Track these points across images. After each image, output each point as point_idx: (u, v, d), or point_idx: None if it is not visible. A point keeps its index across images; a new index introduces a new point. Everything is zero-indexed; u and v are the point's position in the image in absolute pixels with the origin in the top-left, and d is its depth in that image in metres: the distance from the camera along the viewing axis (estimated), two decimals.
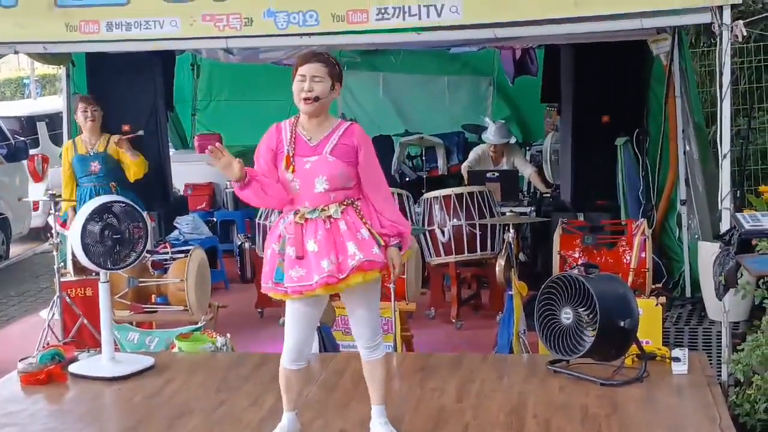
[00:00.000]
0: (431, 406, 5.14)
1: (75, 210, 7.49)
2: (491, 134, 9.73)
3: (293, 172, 4.45)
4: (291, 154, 4.46)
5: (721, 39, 5.76)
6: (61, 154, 8.65)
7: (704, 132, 8.30)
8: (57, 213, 7.26)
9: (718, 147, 5.84)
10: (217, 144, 4.43)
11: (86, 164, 7.98)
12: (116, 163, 8.06)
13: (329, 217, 4.44)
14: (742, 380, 5.26)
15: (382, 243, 4.49)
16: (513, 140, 10.41)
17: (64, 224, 7.86)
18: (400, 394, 5.38)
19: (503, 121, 10.05)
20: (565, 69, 8.97)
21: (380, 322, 4.73)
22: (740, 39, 5.75)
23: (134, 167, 7.99)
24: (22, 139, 12.95)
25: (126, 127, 8.89)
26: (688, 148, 7.86)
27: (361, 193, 4.54)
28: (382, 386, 4.68)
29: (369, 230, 4.47)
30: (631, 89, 8.48)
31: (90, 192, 7.85)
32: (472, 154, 9.97)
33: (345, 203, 4.48)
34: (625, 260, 6.99)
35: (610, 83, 8.42)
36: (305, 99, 4.42)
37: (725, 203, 5.79)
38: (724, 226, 5.74)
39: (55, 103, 15.35)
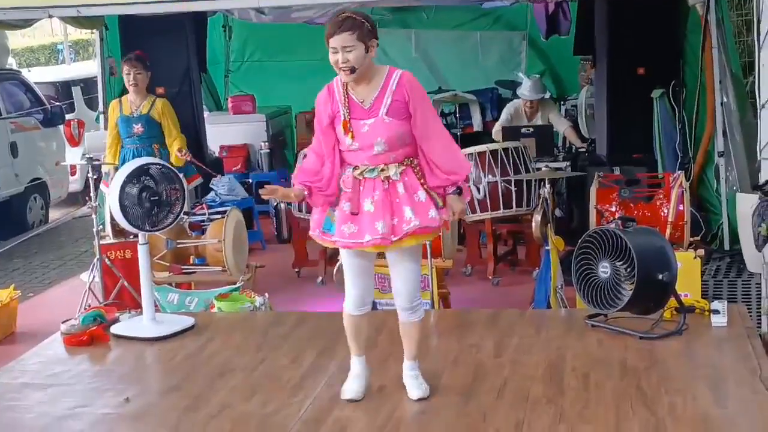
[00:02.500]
0: (469, 362, 5.15)
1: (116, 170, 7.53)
2: (526, 90, 9.65)
3: (352, 137, 4.43)
4: (347, 119, 4.44)
5: None
6: (97, 118, 8.70)
7: (742, 82, 8.21)
8: (95, 176, 7.31)
9: (756, 97, 5.76)
10: (265, 188, 4.51)
11: (130, 125, 7.99)
12: (160, 126, 8.05)
13: (388, 177, 4.45)
14: None
15: (441, 204, 4.47)
16: (548, 95, 10.34)
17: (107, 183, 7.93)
18: (438, 351, 5.40)
19: (538, 76, 9.97)
20: (599, 21, 8.89)
21: (420, 285, 4.75)
22: None
23: (177, 162, 7.92)
24: (58, 104, 13.06)
25: (160, 90, 8.93)
26: (725, 99, 7.77)
27: (417, 147, 4.48)
28: (416, 344, 4.74)
29: (426, 191, 4.46)
30: (667, 41, 8.40)
31: (133, 153, 7.86)
32: (505, 112, 9.85)
33: (404, 163, 4.46)
34: (662, 213, 6.94)
35: (645, 35, 8.33)
36: (343, 70, 4.38)
37: (764, 153, 5.72)
38: (763, 176, 5.68)
39: (89, 67, 15.45)
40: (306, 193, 4.51)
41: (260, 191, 4.53)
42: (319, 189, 4.50)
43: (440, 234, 6.89)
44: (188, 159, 8.01)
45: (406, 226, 4.40)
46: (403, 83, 4.42)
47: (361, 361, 4.75)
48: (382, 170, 4.44)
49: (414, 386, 4.70)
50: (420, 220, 4.40)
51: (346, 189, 4.49)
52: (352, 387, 4.71)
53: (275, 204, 9.73)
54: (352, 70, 4.36)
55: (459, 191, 4.48)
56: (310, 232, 4.67)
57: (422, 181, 4.46)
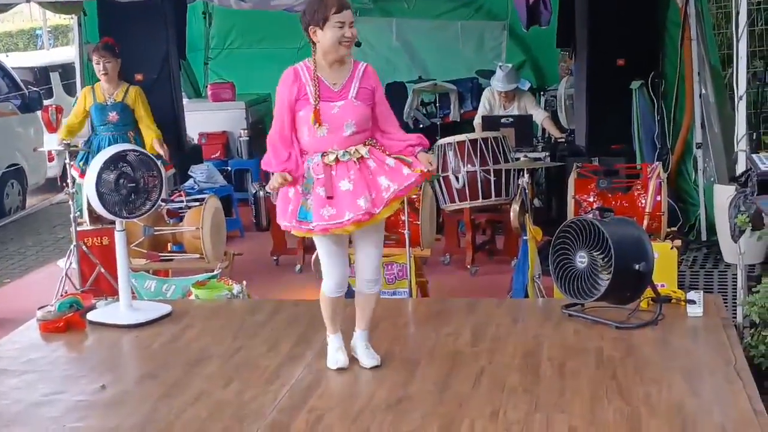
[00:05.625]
0: (447, 351, 5.16)
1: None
2: (499, 81, 9.59)
3: (319, 124, 4.61)
4: (317, 105, 4.60)
5: None
6: (74, 104, 8.63)
7: (720, 74, 8.23)
8: (72, 163, 7.29)
9: (734, 89, 5.79)
10: (273, 188, 4.70)
11: (104, 113, 7.96)
12: (134, 113, 8.02)
13: (360, 158, 4.65)
14: (757, 322, 5.27)
15: (410, 160, 4.69)
16: (526, 86, 10.33)
17: (82, 174, 7.86)
18: (416, 339, 5.42)
19: (510, 66, 9.94)
20: (579, 12, 8.89)
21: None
22: None
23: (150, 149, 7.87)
24: (36, 89, 12.96)
25: (138, 76, 8.87)
26: (703, 90, 7.80)
27: (374, 130, 4.76)
28: (371, 315, 4.97)
29: (394, 158, 4.69)
30: (646, 32, 8.41)
31: (108, 140, 7.81)
32: (483, 101, 9.83)
33: (368, 143, 4.70)
34: (640, 204, 6.97)
35: (625, 26, 8.34)
36: (347, 44, 4.60)
37: (741, 145, 5.75)
38: (740, 168, 5.71)
39: (68, 53, 15.35)
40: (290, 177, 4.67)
41: (270, 190, 4.76)
42: (296, 171, 4.67)
43: (418, 223, 6.93)
44: (164, 154, 7.89)
45: (385, 193, 4.62)
46: (369, 74, 4.73)
47: (339, 337, 4.97)
48: (355, 152, 4.66)
49: (367, 356, 4.94)
50: (397, 184, 4.64)
51: (317, 176, 4.64)
52: (338, 357, 4.93)
53: (254, 192, 9.71)
54: (358, 44, 4.65)
55: (425, 151, 4.75)
56: (283, 223, 4.79)
57: (387, 153, 4.72)
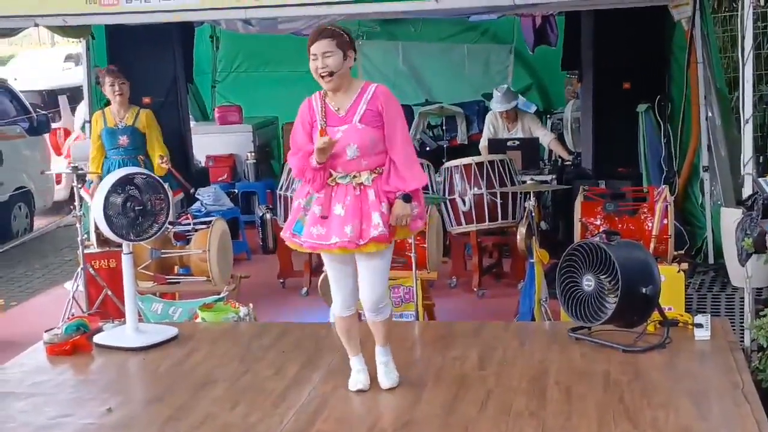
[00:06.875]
0: (453, 374, 5.15)
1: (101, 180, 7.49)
2: (497, 102, 9.65)
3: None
4: (324, 127, 4.64)
5: (743, 3, 5.70)
6: (82, 127, 8.69)
7: (726, 98, 8.23)
8: (80, 186, 7.30)
9: (741, 112, 5.80)
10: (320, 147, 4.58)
11: (115, 137, 7.98)
12: (144, 137, 8.05)
13: (360, 184, 4.65)
14: (765, 346, 5.25)
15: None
16: (532, 108, 10.35)
17: (87, 190, 7.89)
18: (422, 362, 5.40)
19: (505, 86, 9.97)
20: (585, 36, 8.92)
21: (387, 290, 4.98)
22: (762, 3, 5.69)
23: (159, 171, 7.93)
24: (44, 112, 13.01)
25: (146, 99, 8.92)
26: (710, 113, 7.80)
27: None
28: (385, 334, 4.93)
29: (388, 203, 4.68)
30: (653, 55, 8.42)
31: (118, 164, 7.82)
32: (487, 125, 9.87)
33: (376, 171, 4.67)
34: (647, 227, 6.97)
35: (631, 50, 8.36)
36: (321, 76, 4.62)
37: (748, 168, 5.75)
38: (747, 191, 5.71)
39: (76, 76, 15.40)
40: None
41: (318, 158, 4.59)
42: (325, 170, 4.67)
43: (425, 246, 6.93)
44: (168, 167, 7.98)
45: (374, 230, 4.60)
46: (378, 95, 4.68)
47: (359, 359, 4.96)
48: (355, 177, 4.66)
49: (383, 374, 4.92)
50: (384, 228, 4.61)
51: (318, 194, 4.69)
52: (359, 378, 4.92)
53: (261, 215, 9.73)
54: (331, 74, 4.59)
55: (407, 199, 4.65)
56: (282, 234, 4.89)
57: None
